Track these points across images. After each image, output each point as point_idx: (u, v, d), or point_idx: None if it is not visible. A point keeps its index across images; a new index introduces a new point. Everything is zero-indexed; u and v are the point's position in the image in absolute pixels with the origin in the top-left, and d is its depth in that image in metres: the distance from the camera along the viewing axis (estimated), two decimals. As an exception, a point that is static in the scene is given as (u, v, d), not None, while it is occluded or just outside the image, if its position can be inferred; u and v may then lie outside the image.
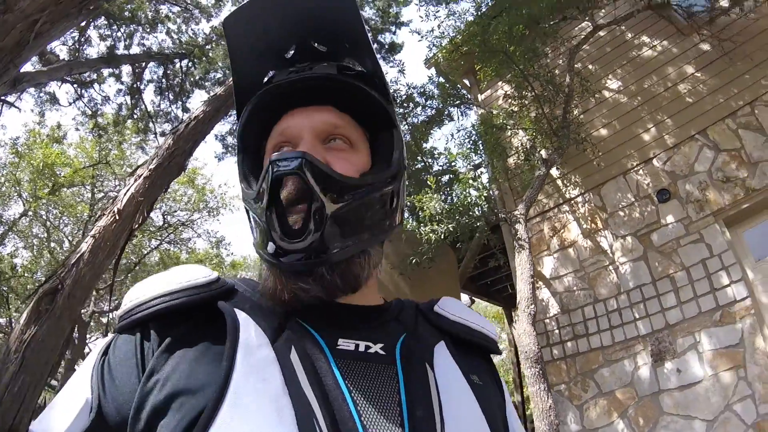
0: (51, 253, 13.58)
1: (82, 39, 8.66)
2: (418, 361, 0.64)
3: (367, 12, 9.47)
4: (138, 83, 9.47)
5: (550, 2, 5.84)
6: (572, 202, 6.12)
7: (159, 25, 9.34)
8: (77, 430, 0.56)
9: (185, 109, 10.12)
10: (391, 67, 9.75)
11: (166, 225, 14.29)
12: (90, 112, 9.80)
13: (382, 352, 0.64)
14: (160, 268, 14.60)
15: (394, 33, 9.84)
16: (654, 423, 4.65)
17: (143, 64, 9.29)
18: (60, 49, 8.55)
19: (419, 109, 8.27)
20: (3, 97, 6.49)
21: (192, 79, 9.95)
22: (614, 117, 6.10)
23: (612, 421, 4.92)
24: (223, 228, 55.98)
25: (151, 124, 10.09)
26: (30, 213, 13.02)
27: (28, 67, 6.37)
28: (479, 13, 6.73)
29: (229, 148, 10.84)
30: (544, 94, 5.77)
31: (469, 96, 8.09)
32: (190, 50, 9.36)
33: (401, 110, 8.00)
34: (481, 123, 6.66)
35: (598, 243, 5.74)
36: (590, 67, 6.50)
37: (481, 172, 7.41)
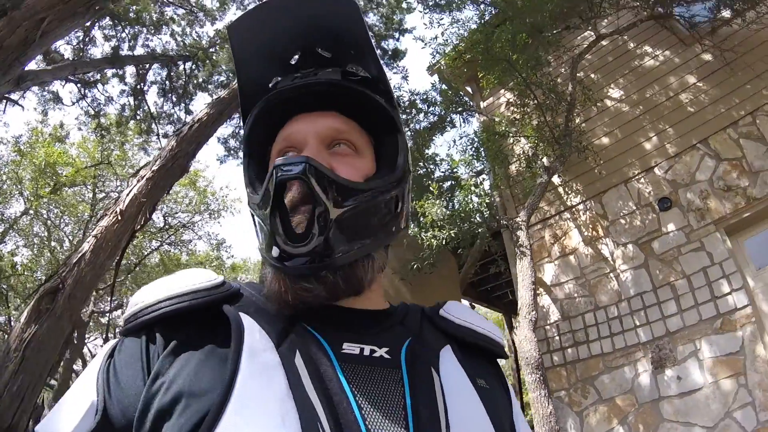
0: (51, 252, 13.56)
1: (87, 39, 8.69)
2: (424, 366, 0.64)
3: (371, 18, 9.53)
4: (141, 84, 9.49)
5: (553, 11, 5.89)
6: (573, 209, 6.14)
7: (163, 26, 9.38)
8: None
9: (188, 111, 10.14)
10: (394, 73, 9.79)
11: (166, 226, 14.29)
12: (93, 112, 9.81)
13: (387, 357, 0.64)
14: (160, 269, 14.59)
15: (398, 39, 9.89)
16: (654, 430, 4.65)
17: (147, 65, 9.32)
18: (64, 48, 8.59)
19: (422, 115, 8.31)
20: (7, 95, 6.51)
21: (195, 82, 9.97)
22: (616, 126, 6.14)
23: (612, 428, 4.93)
24: (223, 231, 55.96)
25: (153, 126, 10.10)
26: (31, 211, 13.01)
27: (32, 66, 6.39)
28: (482, 21, 6.78)
29: (232, 151, 10.85)
30: (546, 102, 5.81)
31: (471, 103, 8.13)
32: (194, 53, 9.39)
33: (404, 116, 8.03)
34: (484, 130, 6.69)
35: (599, 250, 5.75)
36: (592, 76, 6.54)
37: (483, 179, 7.44)
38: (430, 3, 7.50)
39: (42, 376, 4.63)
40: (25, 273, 13.31)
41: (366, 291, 0.69)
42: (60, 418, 0.58)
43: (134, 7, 8.76)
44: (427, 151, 7.98)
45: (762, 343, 4.36)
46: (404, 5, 9.42)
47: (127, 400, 0.57)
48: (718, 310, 4.65)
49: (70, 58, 8.38)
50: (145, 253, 14.20)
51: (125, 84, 9.75)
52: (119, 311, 14.04)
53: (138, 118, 10.12)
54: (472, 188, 6.20)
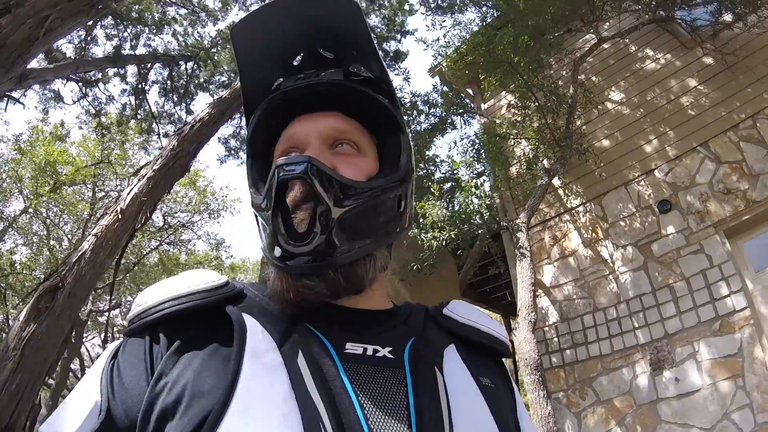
0: (50, 251, 13.55)
1: (89, 38, 8.70)
2: (427, 365, 0.64)
3: (373, 20, 9.55)
4: (143, 84, 9.50)
5: (555, 14, 5.92)
6: (573, 211, 6.15)
7: (165, 26, 9.39)
8: None
9: (189, 111, 10.15)
10: (395, 75, 9.79)
11: (166, 226, 14.27)
12: (94, 111, 9.82)
13: (390, 356, 0.64)
14: (158, 268, 14.57)
15: (400, 41, 9.92)
16: (652, 431, 4.66)
17: (149, 64, 9.32)
18: (66, 47, 8.60)
19: (423, 117, 8.31)
20: (8, 93, 6.51)
21: (196, 82, 9.98)
22: (617, 128, 6.16)
23: (610, 429, 4.94)
24: (223, 230, 55.93)
25: (154, 125, 10.10)
26: (30, 210, 13.01)
27: (33, 64, 6.39)
28: (485, 23, 6.80)
29: (232, 151, 10.86)
30: (547, 104, 5.83)
31: (472, 105, 8.14)
32: (195, 53, 9.40)
33: (405, 118, 8.03)
34: (485, 132, 6.70)
35: (598, 252, 5.77)
36: (594, 78, 6.57)
37: (484, 181, 7.45)
38: (432, 5, 7.53)
39: (41, 374, 4.62)
40: (24, 272, 13.29)
41: (368, 290, 0.69)
42: (64, 418, 0.58)
43: (137, 7, 8.78)
44: (427, 152, 7.98)
45: (760, 345, 4.37)
46: (406, 7, 9.45)
47: (130, 401, 0.57)
48: (717, 313, 4.66)
49: (72, 57, 8.40)
50: (144, 253, 14.19)
51: (126, 83, 9.78)
52: (117, 310, 14.04)
53: (139, 117, 10.13)
54: (473, 190, 6.21)
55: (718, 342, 4.57)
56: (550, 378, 5.47)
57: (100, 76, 9.41)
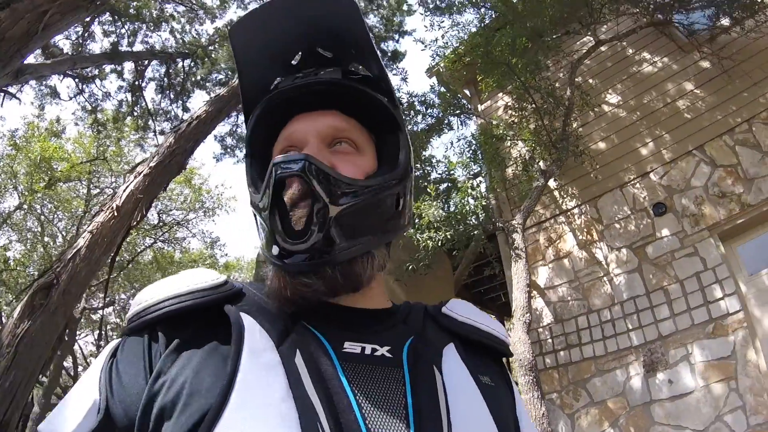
0: (44, 248, 13.48)
1: (86, 34, 8.67)
2: (426, 364, 0.64)
3: (371, 20, 9.55)
4: (139, 81, 9.47)
5: (553, 16, 5.94)
6: (569, 213, 6.18)
7: (163, 23, 9.36)
8: (84, 431, 0.56)
9: (185, 109, 10.13)
10: (393, 75, 9.81)
11: (161, 224, 14.22)
12: (90, 108, 9.78)
13: (389, 355, 0.64)
14: (153, 266, 14.53)
15: (397, 41, 9.92)
16: (645, 433, 4.69)
17: (146, 61, 9.30)
18: (63, 43, 8.57)
19: (420, 117, 8.32)
20: (5, 88, 6.47)
21: (193, 79, 9.96)
22: (613, 131, 6.18)
23: (603, 430, 4.95)
24: (218, 229, 55.78)
25: (150, 122, 10.08)
26: (25, 206, 12.93)
27: (30, 59, 6.37)
28: (483, 24, 6.81)
29: (228, 149, 10.83)
30: (544, 106, 5.84)
31: (469, 106, 8.15)
32: (193, 50, 9.38)
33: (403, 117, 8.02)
34: (481, 133, 6.72)
35: (593, 254, 5.79)
36: (591, 81, 6.59)
37: (480, 182, 7.47)
38: (431, 5, 7.54)
39: (35, 372, 4.57)
40: (18, 268, 13.23)
41: (366, 288, 0.69)
42: (63, 417, 0.58)
43: (135, 3, 8.76)
44: (424, 153, 7.99)
45: (753, 348, 4.40)
46: (404, 7, 9.46)
47: (129, 399, 0.57)
48: (711, 315, 4.69)
49: (69, 53, 8.36)
50: (139, 250, 14.14)
51: (123, 80, 9.75)
52: (111, 308, 13.97)
53: (135, 114, 10.10)
54: (469, 190, 6.22)
55: (711, 344, 4.60)
56: (544, 379, 5.49)
57: (96, 72, 9.38)
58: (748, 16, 5.36)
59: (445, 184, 7.60)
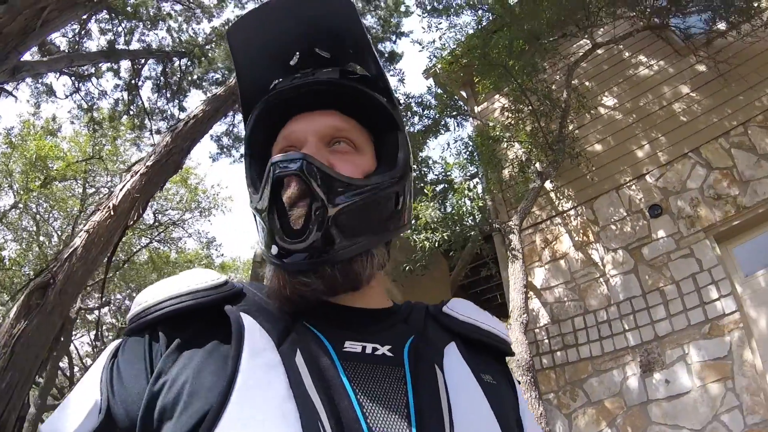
0: (40, 247, 13.40)
1: (83, 32, 8.64)
2: (427, 363, 0.64)
3: (369, 20, 9.55)
4: (136, 79, 9.44)
5: (550, 19, 5.96)
6: (565, 214, 6.20)
7: (160, 22, 9.34)
8: (86, 431, 0.56)
9: (182, 108, 10.12)
10: (390, 76, 9.80)
11: (156, 223, 14.16)
12: (86, 106, 9.75)
13: (390, 354, 0.63)
14: (148, 266, 14.47)
15: (395, 42, 9.94)
16: (642, 432, 4.71)
17: (143, 60, 9.27)
18: (59, 41, 8.53)
19: (416, 118, 8.34)
20: (1, 85, 6.44)
21: (190, 78, 9.94)
22: (609, 133, 6.22)
23: (600, 430, 4.97)
24: (214, 229, 55.42)
25: (146, 122, 10.04)
26: (20, 205, 12.86)
27: (26, 57, 6.34)
28: (480, 26, 6.84)
29: (224, 149, 10.81)
30: (540, 108, 5.88)
31: (465, 107, 8.18)
32: (190, 49, 9.36)
33: (399, 117, 8.02)
34: (478, 134, 6.74)
35: (589, 255, 5.81)
36: (587, 83, 6.62)
37: (476, 183, 7.49)
38: (428, 7, 7.55)
39: (31, 373, 4.52)
40: (13, 268, 13.14)
41: (366, 288, 0.69)
42: (64, 417, 0.58)
43: (132, 1, 8.73)
44: (420, 154, 8.01)
45: (749, 348, 4.43)
46: (402, 9, 9.48)
47: (130, 399, 0.57)
48: (707, 316, 4.72)
49: (66, 51, 8.33)
50: (134, 250, 14.07)
51: (120, 79, 9.72)
52: (106, 308, 13.90)
53: (131, 113, 10.07)
54: (466, 191, 6.24)
55: (707, 345, 4.63)
56: (541, 379, 5.50)
57: (93, 70, 9.35)
58: (744, 21, 5.40)
59: (442, 186, 7.62)
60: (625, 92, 6.30)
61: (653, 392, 4.78)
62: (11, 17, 3.86)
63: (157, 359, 0.59)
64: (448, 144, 15.45)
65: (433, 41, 7.57)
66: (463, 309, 0.78)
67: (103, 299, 10.85)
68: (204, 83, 9.86)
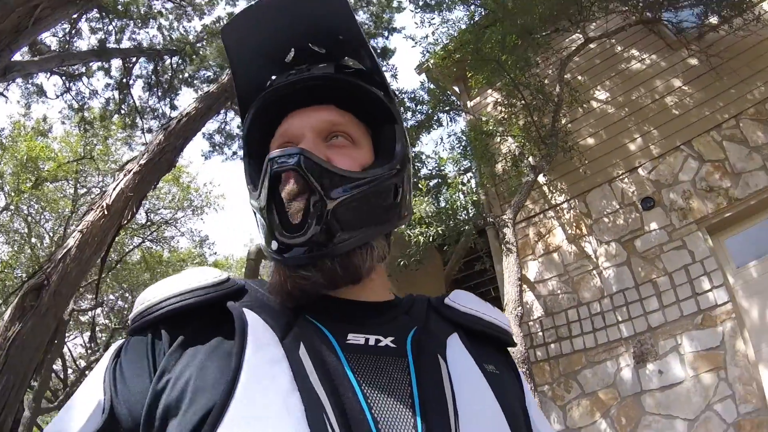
0: (32, 249, 13.28)
1: (73, 31, 8.57)
2: (430, 354, 0.64)
3: (361, 16, 9.51)
4: (127, 78, 9.38)
5: (543, 14, 5.97)
6: (558, 208, 6.23)
7: (151, 20, 9.28)
8: (90, 431, 0.56)
9: (173, 107, 10.06)
10: (383, 71, 9.80)
11: (149, 223, 14.04)
12: (77, 106, 9.67)
13: (392, 345, 0.64)
14: (141, 266, 14.38)
15: (387, 38, 9.92)
16: (636, 423, 4.76)
17: (134, 58, 9.21)
18: (50, 40, 8.46)
19: (409, 113, 8.34)
20: (-8, 86, 6.39)
21: (181, 77, 9.89)
22: (601, 127, 6.24)
23: (595, 421, 5.02)
24: (206, 227, 55.31)
25: (138, 121, 9.99)
26: (11, 207, 12.73)
27: (16, 57, 6.28)
28: (473, 21, 6.83)
29: (216, 147, 10.77)
30: (533, 102, 5.88)
31: (458, 102, 8.18)
32: (181, 47, 9.30)
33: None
34: (471, 129, 6.75)
35: (582, 248, 5.85)
36: (580, 77, 6.64)
37: (470, 177, 7.51)
38: (421, 2, 7.55)
39: (27, 375, 4.48)
40: (5, 270, 13.02)
41: (367, 281, 0.70)
42: (68, 418, 0.59)
43: (123, 0, 8.67)
44: (414, 149, 8.02)
45: (742, 338, 4.48)
46: (394, 4, 9.46)
47: (133, 398, 0.57)
48: (699, 307, 4.77)
49: (57, 50, 8.26)
50: (127, 250, 13.98)
51: (111, 77, 9.65)
52: (99, 309, 13.79)
53: (122, 112, 10.01)
54: (459, 186, 6.26)
55: (700, 335, 4.68)
56: (535, 372, 5.53)
57: (84, 70, 9.28)
58: (736, 15, 5.42)
59: (436, 180, 7.63)
60: (618, 86, 6.33)
61: (647, 383, 4.83)
62: (4, 15, 3.82)
63: (160, 358, 0.60)
64: (442, 139, 15.48)
65: (426, 36, 7.58)
66: (465, 300, 0.78)
67: (97, 300, 10.76)
68: (195, 81, 9.81)
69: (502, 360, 0.76)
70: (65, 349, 13.22)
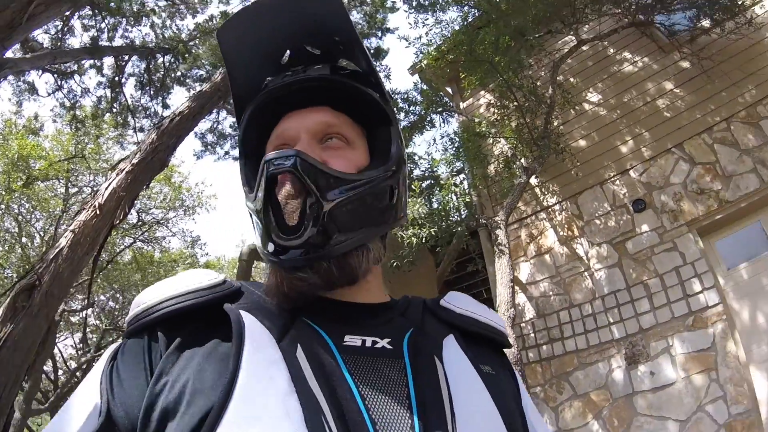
0: (23, 249, 13.16)
1: (65, 29, 8.51)
2: (427, 355, 0.64)
3: (354, 16, 9.49)
4: (119, 76, 9.32)
5: (536, 16, 6.00)
6: (550, 209, 6.26)
7: (143, 18, 9.22)
8: None
9: (165, 105, 10.00)
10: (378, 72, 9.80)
11: (140, 223, 13.93)
12: (69, 104, 9.60)
13: (389, 347, 0.64)
14: (132, 267, 14.28)
15: (380, 38, 9.92)
16: (628, 424, 4.78)
17: (126, 56, 9.15)
18: (42, 37, 8.39)
19: (402, 114, 8.34)
20: (-17, 84, 6.32)
21: (173, 75, 9.83)
22: (593, 129, 6.28)
23: (587, 422, 5.04)
24: (198, 228, 55.01)
25: (130, 119, 9.93)
26: (2, 206, 12.61)
27: (8, 54, 6.23)
28: (466, 22, 6.84)
29: (209, 146, 10.73)
30: (526, 104, 5.91)
31: (451, 103, 8.20)
32: (173, 46, 9.25)
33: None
34: (463, 130, 6.76)
35: (574, 250, 5.88)
36: (572, 79, 6.67)
37: (462, 179, 7.52)
38: (414, 3, 7.56)
39: (18, 377, 4.45)
40: (-4, 271, 12.92)
41: (363, 282, 0.70)
42: (64, 420, 0.58)
43: (116, -4, 8.60)
44: (406, 150, 8.00)
45: (732, 339, 4.52)
46: (388, 4, 9.45)
47: (130, 401, 0.57)
48: (690, 308, 4.80)
49: (49, 48, 8.19)
50: (118, 251, 13.87)
51: (103, 76, 9.58)
52: (89, 310, 13.68)
53: (114, 110, 9.94)
54: (452, 187, 6.27)
55: (691, 337, 4.71)
56: (528, 373, 5.56)
57: (76, 67, 9.21)
58: (728, 18, 5.47)
59: (428, 181, 7.64)
60: (610, 88, 6.36)
61: (638, 384, 4.86)
62: (-2, 11, 3.79)
63: (157, 360, 0.60)
64: (434, 140, 15.47)
65: (420, 37, 7.58)
66: (460, 302, 0.78)
67: (86, 301, 10.68)
68: (188, 80, 9.77)
69: (498, 361, 0.76)
70: (56, 350, 13.12)
